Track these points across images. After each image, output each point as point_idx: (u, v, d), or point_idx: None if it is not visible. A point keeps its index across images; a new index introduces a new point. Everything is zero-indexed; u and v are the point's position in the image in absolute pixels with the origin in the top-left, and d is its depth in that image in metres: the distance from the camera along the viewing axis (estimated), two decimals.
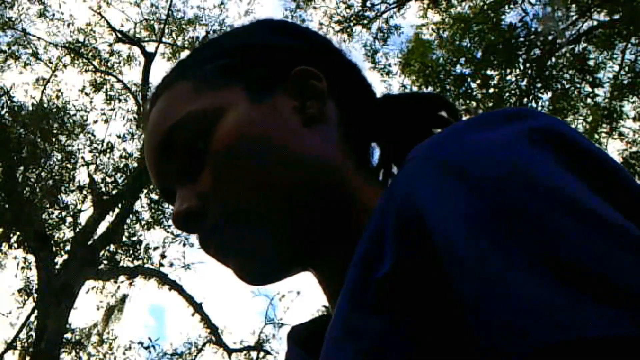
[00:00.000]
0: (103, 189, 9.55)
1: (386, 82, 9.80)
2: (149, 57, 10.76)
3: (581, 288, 0.30)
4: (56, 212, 9.45)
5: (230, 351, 10.19)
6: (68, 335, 9.23)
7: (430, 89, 8.53)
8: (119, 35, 10.95)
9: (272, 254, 0.56)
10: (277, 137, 0.56)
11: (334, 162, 0.58)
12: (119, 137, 10.13)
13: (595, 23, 8.34)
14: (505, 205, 0.35)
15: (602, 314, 0.29)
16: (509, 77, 8.16)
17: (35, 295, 9.00)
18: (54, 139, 9.42)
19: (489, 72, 8.19)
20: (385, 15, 9.62)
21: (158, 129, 0.59)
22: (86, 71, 10.67)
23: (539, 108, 8.19)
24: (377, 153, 0.68)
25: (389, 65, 9.82)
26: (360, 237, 0.49)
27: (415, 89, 8.95)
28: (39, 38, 10.55)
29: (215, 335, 10.16)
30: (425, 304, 0.38)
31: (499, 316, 0.31)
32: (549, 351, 0.29)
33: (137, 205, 9.75)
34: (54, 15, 10.46)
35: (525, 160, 0.37)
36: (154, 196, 9.51)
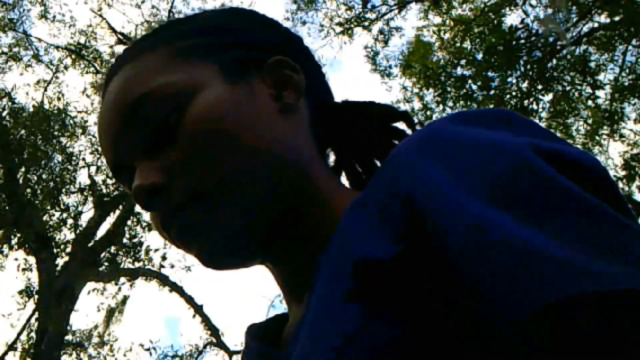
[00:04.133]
0: (104, 191, 9.55)
1: (387, 84, 9.80)
2: None
3: (598, 250, 0.34)
4: (57, 214, 9.45)
5: (231, 353, 10.17)
6: (69, 337, 9.24)
7: (431, 90, 8.54)
8: (120, 37, 10.96)
9: (239, 234, 0.54)
10: (255, 118, 0.55)
11: (306, 155, 0.58)
12: None
13: (596, 25, 8.35)
14: (514, 189, 0.38)
15: (620, 271, 0.32)
16: (510, 79, 8.17)
17: (36, 296, 8.99)
18: (55, 141, 9.43)
19: (489, 73, 8.19)
20: (386, 17, 9.63)
21: (124, 98, 0.56)
22: (87, 73, 10.67)
23: (540, 110, 8.19)
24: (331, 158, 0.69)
25: (390, 67, 9.83)
26: (326, 233, 0.50)
27: (416, 90, 8.96)
28: (40, 40, 10.58)
29: (216, 337, 10.15)
30: (420, 293, 0.39)
31: (526, 277, 0.33)
32: (581, 301, 0.31)
33: (138, 207, 9.71)
34: (55, 17, 10.48)
35: (529, 161, 0.39)
36: None
